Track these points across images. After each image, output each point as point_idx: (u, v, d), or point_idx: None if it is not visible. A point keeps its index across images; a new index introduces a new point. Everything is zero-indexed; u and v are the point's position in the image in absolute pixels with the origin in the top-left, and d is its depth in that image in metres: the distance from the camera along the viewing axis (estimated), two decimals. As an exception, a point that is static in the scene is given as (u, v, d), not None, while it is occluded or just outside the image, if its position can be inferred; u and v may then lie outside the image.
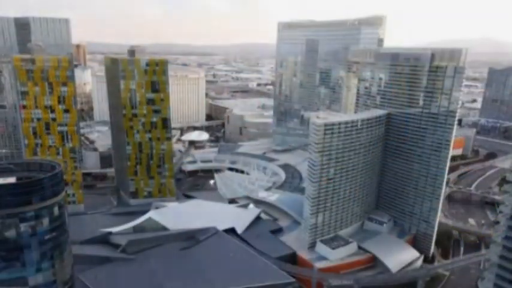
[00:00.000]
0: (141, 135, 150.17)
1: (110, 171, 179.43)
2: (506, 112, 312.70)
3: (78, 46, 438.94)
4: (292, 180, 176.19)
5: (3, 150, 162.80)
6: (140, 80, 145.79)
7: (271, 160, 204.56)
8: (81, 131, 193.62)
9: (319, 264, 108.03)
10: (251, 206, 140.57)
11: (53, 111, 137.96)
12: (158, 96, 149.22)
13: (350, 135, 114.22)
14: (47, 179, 67.27)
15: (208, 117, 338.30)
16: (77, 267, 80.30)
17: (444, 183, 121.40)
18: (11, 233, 63.96)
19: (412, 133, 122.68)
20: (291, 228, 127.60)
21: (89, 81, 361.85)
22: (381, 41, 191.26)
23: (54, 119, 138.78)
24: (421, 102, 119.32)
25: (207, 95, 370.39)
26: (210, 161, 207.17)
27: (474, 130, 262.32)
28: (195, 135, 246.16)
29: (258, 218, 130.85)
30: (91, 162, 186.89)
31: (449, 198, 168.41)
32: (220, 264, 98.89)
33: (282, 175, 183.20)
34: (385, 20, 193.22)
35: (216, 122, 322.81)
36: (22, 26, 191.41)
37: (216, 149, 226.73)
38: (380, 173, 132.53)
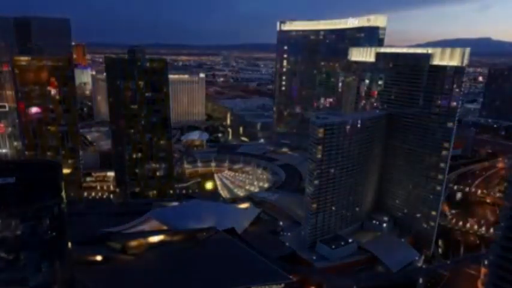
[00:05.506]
0: (141, 135, 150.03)
1: (110, 171, 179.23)
2: (506, 112, 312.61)
3: (78, 46, 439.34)
4: (292, 180, 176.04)
5: (3, 150, 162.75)
6: (140, 80, 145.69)
7: (271, 160, 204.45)
8: (81, 131, 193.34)
9: (319, 264, 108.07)
10: (251, 206, 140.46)
11: (53, 111, 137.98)
12: (158, 96, 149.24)
13: (350, 135, 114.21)
14: (47, 179, 67.32)
15: (208, 117, 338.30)
16: (77, 267, 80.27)
17: (444, 183, 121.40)
18: (11, 233, 63.89)
19: (412, 133, 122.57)
20: (291, 228, 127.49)
21: (89, 81, 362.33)
22: (381, 41, 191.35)
23: (54, 119, 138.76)
24: (421, 102, 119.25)
25: (207, 95, 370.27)
26: (210, 161, 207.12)
27: (474, 130, 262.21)
28: (195, 135, 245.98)
29: (258, 218, 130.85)
30: (91, 163, 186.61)
31: (449, 198, 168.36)
32: (220, 264, 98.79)
33: (282, 175, 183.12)
34: (385, 20, 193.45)
35: (216, 122, 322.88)
36: (22, 26, 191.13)
37: (216, 149, 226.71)
38: (380, 172, 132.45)
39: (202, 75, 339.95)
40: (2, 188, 63.94)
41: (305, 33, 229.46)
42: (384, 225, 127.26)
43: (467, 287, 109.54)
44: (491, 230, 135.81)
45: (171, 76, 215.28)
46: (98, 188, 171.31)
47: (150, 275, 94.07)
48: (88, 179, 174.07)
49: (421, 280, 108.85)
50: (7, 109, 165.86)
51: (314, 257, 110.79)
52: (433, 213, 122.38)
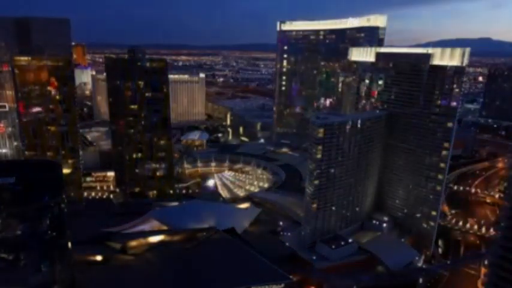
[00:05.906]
0: (141, 135, 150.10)
1: (110, 171, 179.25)
2: (506, 112, 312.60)
3: (78, 46, 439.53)
4: (292, 180, 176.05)
5: (3, 150, 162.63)
6: (140, 80, 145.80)
7: (271, 160, 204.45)
8: (81, 131, 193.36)
9: (319, 264, 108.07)
10: (251, 206, 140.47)
11: (53, 111, 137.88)
12: (158, 96, 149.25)
13: (350, 135, 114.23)
14: (47, 179, 67.32)
15: (208, 117, 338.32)
16: (77, 267, 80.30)
17: (444, 183, 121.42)
18: (11, 233, 63.93)
19: (412, 133, 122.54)
20: (291, 228, 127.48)
21: (89, 81, 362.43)
22: (380, 41, 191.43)
23: (54, 119, 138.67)
24: (421, 102, 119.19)
25: (207, 95, 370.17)
26: (210, 161, 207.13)
27: (474, 130, 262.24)
28: (195, 135, 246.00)
29: (258, 218, 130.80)
30: (91, 163, 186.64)
31: (449, 198, 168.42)
32: (220, 264, 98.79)
33: (282, 175, 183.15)
34: (385, 20, 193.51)
35: (216, 122, 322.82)
36: (22, 26, 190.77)
37: (216, 149, 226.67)
38: (380, 172, 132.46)
39: (202, 75, 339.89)
40: (2, 188, 63.88)
41: (305, 33, 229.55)
42: (384, 225, 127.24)
43: (467, 287, 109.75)
44: (491, 230, 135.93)
45: (171, 76, 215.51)
46: (98, 188, 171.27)
47: (150, 275, 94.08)
48: (88, 179, 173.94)
49: (421, 280, 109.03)
50: (7, 109, 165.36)
51: (314, 257, 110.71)
52: (433, 213, 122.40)
